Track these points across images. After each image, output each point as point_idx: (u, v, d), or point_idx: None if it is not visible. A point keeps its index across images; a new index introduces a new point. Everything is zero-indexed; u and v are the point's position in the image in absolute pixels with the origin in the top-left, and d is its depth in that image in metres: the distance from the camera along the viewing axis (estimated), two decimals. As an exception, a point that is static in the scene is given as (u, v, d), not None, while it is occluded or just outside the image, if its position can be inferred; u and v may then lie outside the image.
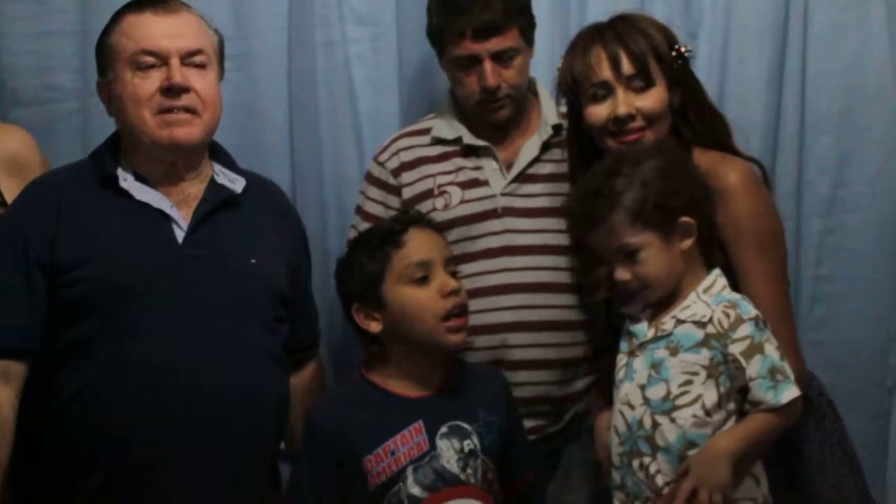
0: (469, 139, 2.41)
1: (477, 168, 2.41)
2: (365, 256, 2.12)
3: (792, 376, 1.93)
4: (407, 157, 2.45)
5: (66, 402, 1.98)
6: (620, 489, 2.03)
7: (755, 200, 2.07)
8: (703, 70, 2.62)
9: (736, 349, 1.92)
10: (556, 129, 2.37)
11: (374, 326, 2.11)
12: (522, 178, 2.39)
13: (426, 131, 2.47)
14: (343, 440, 2.05)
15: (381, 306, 2.09)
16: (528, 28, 2.37)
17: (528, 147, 2.40)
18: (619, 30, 2.12)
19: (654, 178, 1.96)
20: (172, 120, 2.03)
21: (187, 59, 2.05)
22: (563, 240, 2.33)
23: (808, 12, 2.63)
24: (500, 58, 2.32)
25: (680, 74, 2.14)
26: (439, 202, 2.39)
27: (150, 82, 2.03)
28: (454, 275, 2.13)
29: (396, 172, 2.45)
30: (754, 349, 1.92)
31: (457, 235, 2.35)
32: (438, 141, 2.44)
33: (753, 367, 1.92)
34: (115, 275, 1.97)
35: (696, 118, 2.16)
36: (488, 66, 2.31)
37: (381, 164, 2.47)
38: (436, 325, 2.07)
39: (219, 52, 2.14)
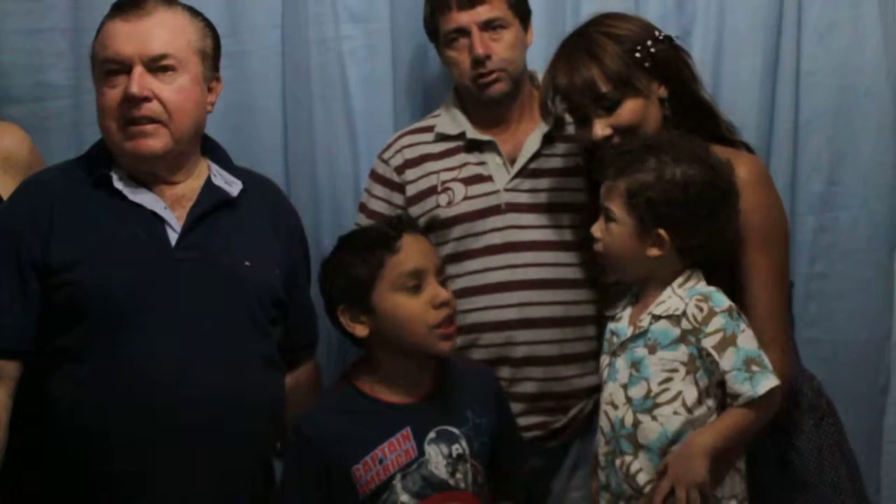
0: (472, 134, 2.42)
1: (480, 163, 2.41)
2: (356, 259, 2.07)
3: (770, 366, 1.92)
4: (411, 154, 2.45)
5: (60, 404, 1.97)
6: (606, 489, 2.04)
7: (763, 195, 2.07)
8: (697, 68, 2.62)
9: (709, 343, 1.93)
10: (558, 121, 2.35)
11: (360, 330, 2.08)
12: (526, 173, 2.39)
13: (430, 128, 2.47)
14: (331, 449, 2.03)
15: (370, 311, 2.06)
16: (517, 3, 2.39)
17: (531, 141, 2.40)
18: (583, 50, 2.12)
19: (671, 182, 1.96)
20: (135, 132, 2.01)
21: (152, 64, 2.01)
22: (567, 235, 2.35)
23: (801, 11, 2.63)
24: (489, 27, 2.34)
25: (660, 69, 2.14)
26: (443, 199, 2.40)
27: (115, 92, 2.01)
28: (444, 283, 2.12)
29: (400, 170, 2.45)
30: (727, 342, 1.92)
31: (460, 232, 2.36)
32: (442, 137, 2.45)
33: (727, 360, 1.92)
34: (107, 278, 1.96)
35: (681, 110, 2.16)
36: (476, 35, 2.34)
37: (386, 162, 2.48)
38: (427, 334, 2.04)
39: (202, 51, 2.08)
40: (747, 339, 1.93)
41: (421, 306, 2.04)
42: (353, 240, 2.17)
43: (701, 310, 1.94)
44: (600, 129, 2.12)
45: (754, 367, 1.91)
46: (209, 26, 2.12)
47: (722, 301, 1.95)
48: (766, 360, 1.93)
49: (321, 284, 2.16)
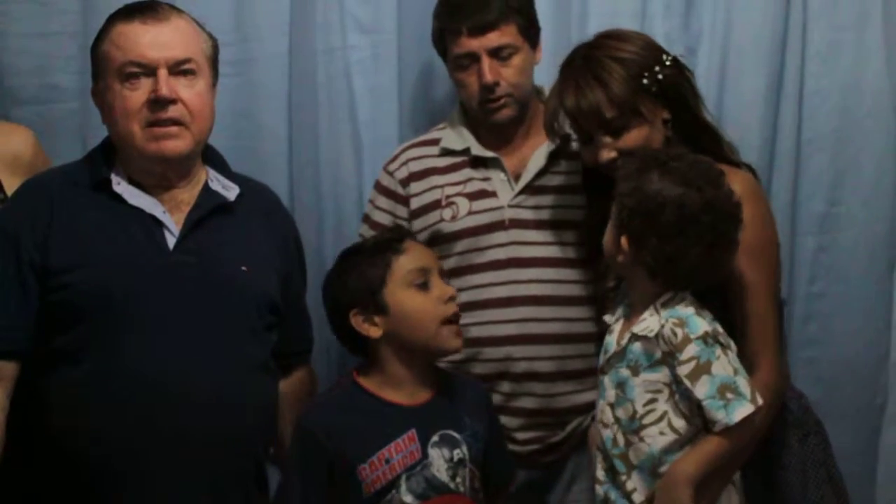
0: (477, 150, 2.42)
1: (485, 179, 2.42)
2: (364, 263, 2.13)
3: (746, 392, 1.90)
4: (416, 167, 2.46)
5: (56, 405, 1.97)
6: (605, 504, 2.05)
7: (751, 210, 2.05)
8: (702, 86, 2.58)
9: (682, 371, 1.91)
10: (564, 138, 2.35)
11: (374, 331, 2.11)
12: (530, 189, 2.39)
13: (436, 142, 2.47)
14: (337, 447, 2.05)
15: (383, 311, 2.10)
16: (527, 27, 2.38)
17: (536, 157, 2.40)
18: (587, 78, 2.11)
19: (644, 194, 1.95)
20: (160, 133, 2.02)
21: (175, 68, 2.03)
22: (570, 252, 2.35)
23: (805, 31, 2.64)
24: (498, 55, 2.33)
25: (665, 93, 2.14)
26: (447, 213, 2.40)
27: (138, 94, 2.02)
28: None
29: (405, 182, 2.46)
30: (700, 370, 1.90)
31: (464, 246, 2.37)
32: (447, 152, 2.45)
33: (701, 389, 1.90)
34: (104, 281, 1.97)
35: (682, 132, 2.16)
36: (486, 62, 2.32)
37: (391, 174, 2.48)
38: (438, 329, 2.09)
39: (211, 58, 2.12)
40: (722, 366, 1.91)
41: (432, 302, 2.10)
42: (358, 249, 2.21)
43: (675, 335, 1.92)
44: (606, 153, 2.12)
45: (728, 395, 1.89)
46: (210, 35, 2.15)
47: (697, 326, 1.93)
48: (742, 386, 1.91)
49: (327, 295, 2.19)
